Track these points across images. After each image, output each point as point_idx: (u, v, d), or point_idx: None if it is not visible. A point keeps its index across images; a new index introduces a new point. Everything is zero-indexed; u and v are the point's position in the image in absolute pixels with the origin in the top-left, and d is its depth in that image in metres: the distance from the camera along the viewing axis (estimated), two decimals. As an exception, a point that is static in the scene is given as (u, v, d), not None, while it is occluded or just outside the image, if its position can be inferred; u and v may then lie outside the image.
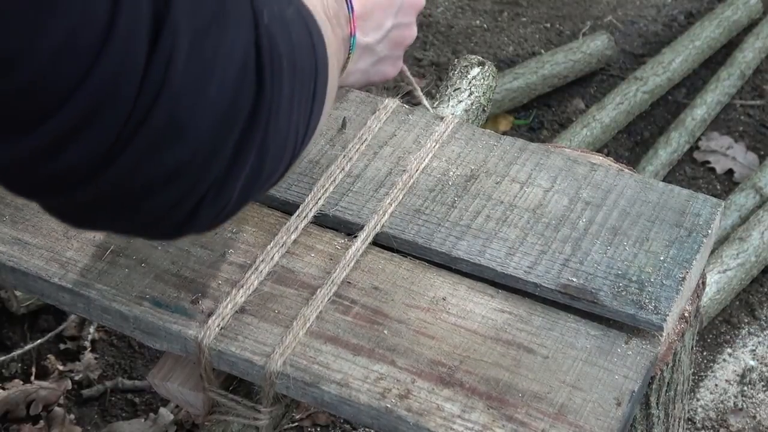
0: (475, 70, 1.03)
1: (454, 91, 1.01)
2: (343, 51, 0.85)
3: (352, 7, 0.83)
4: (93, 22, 0.45)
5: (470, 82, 1.02)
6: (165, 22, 0.48)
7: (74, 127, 0.47)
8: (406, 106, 0.92)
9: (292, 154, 0.61)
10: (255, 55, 0.53)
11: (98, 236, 0.80)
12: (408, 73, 0.97)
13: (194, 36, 0.49)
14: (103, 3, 0.45)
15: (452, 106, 1.00)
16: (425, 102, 0.97)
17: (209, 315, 0.74)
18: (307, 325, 0.73)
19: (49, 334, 1.56)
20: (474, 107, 1.01)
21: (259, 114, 0.54)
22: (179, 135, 0.50)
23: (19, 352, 1.53)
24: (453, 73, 1.03)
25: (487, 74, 1.04)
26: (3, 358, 1.53)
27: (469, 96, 1.01)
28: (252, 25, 0.53)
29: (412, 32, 0.91)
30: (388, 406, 0.68)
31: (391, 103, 0.91)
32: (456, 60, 1.06)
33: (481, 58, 1.05)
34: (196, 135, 0.51)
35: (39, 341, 1.54)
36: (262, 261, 0.77)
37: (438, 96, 1.02)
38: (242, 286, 0.75)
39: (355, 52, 0.86)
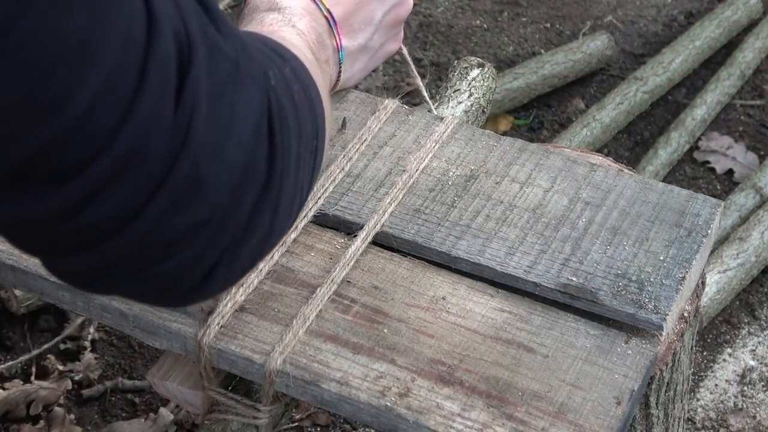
0: (475, 72, 1.04)
1: (453, 92, 1.02)
2: (332, 67, 0.85)
3: (334, 19, 0.82)
4: (127, 73, 0.45)
5: (470, 84, 1.02)
6: (187, 77, 0.48)
7: (108, 178, 0.46)
8: (406, 107, 0.92)
9: (297, 213, 0.61)
10: (267, 116, 0.53)
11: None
12: (407, 55, 0.96)
13: (212, 93, 0.49)
14: (136, 56, 0.45)
15: (452, 107, 1.00)
16: (424, 93, 0.97)
17: (209, 313, 0.74)
18: (307, 323, 0.73)
19: (54, 340, 1.55)
20: (474, 108, 1.01)
21: (273, 176, 0.54)
22: (200, 191, 0.50)
23: (24, 357, 1.53)
24: (453, 75, 1.04)
25: (487, 76, 1.04)
26: (10, 363, 1.52)
27: (468, 97, 1.01)
28: (264, 86, 0.54)
29: (408, 5, 0.90)
30: (388, 404, 0.68)
31: (391, 104, 0.91)
32: (456, 61, 1.06)
33: (480, 60, 1.05)
34: (217, 192, 0.51)
35: (44, 346, 1.54)
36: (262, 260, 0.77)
37: (438, 97, 1.02)
38: (242, 285, 0.75)
39: (346, 61, 0.86)
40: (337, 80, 0.87)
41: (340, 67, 0.86)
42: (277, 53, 0.62)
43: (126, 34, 0.45)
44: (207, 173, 0.50)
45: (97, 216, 0.47)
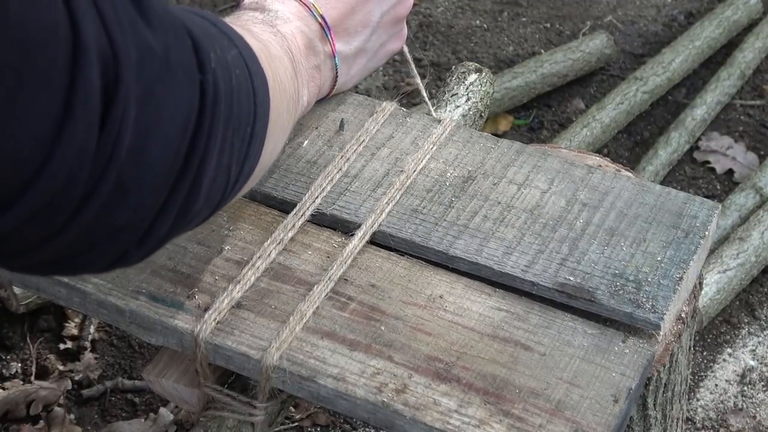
0: (473, 77, 1.04)
1: (451, 96, 1.02)
2: (327, 72, 0.84)
3: (327, 25, 0.82)
4: (50, 109, 0.45)
5: (468, 88, 1.03)
6: (115, 96, 0.48)
7: (36, 208, 0.48)
8: (404, 109, 0.92)
9: (222, 195, 0.62)
10: (198, 103, 0.54)
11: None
12: (408, 54, 0.96)
13: (140, 103, 0.50)
14: (59, 92, 0.45)
15: (449, 112, 1.00)
16: (424, 94, 0.98)
17: (205, 309, 0.74)
18: (304, 320, 0.73)
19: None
20: (471, 113, 1.02)
21: (191, 161, 0.54)
22: (124, 198, 0.51)
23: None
24: (450, 79, 1.04)
25: (485, 81, 1.05)
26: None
27: (466, 102, 1.01)
28: (196, 74, 0.54)
29: (408, 3, 0.89)
30: (385, 400, 0.69)
31: (389, 106, 0.92)
32: (454, 66, 1.07)
33: (478, 65, 1.05)
34: (139, 195, 0.52)
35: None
36: (259, 257, 0.78)
37: (436, 101, 1.02)
38: (239, 282, 0.76)
39: (341, 66, 0.85)
40: (334, 84, 0.87)
41: (337, 72, 0.85)
42: (226, 35, 0.62)
43: (49, 71, 0.44)
44: (131, 182, 0.51)
45: (22, 241, 0.49)
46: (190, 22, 0.56)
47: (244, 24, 0.73)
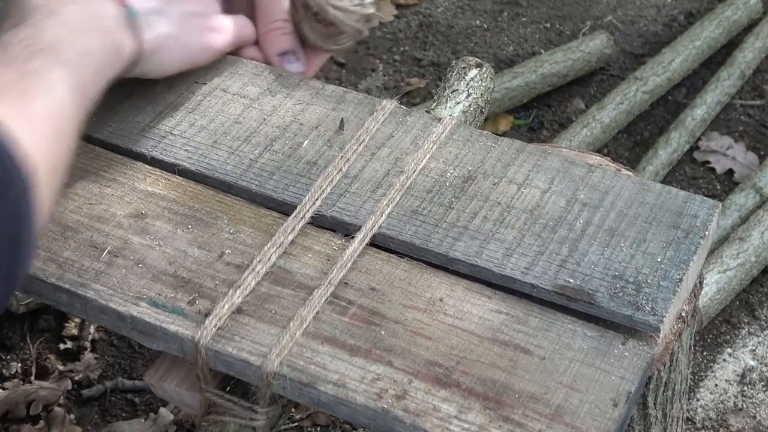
0: (473, 72, 1.03)
1: (452, 92, 1.02)
2: (123, 34, 0.78)
3: None
4: None
5: (468, 84, 1.02)
6: None
7: None
8: (404, 108, 0.92)
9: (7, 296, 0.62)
10: None
11: (95, 237, 0.80)
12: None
13: None
14: None
15: (450, 108, 1.00)
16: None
17: (206, 315, 0.74)
18: (304, 325, 0.73)
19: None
20: (472, 109, 1.01)
21: None
22: None
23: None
24: (451, 75, 1.04)
25: (485, 76, 1.04)
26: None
27: (467, 98, 1.01)
28: None
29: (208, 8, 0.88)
30: (385, 406, 0.69)
31: (389, 105, 0.91)
32: (454, 62, 1.06)
33: (479, 60, 1.05)
34: None
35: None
36: (259, 262, 0.77)
37: (436, 97, 1.02)
38: (239, 287, 0.76)
39: (141, 18, 0.80)
40: (141, 43, 0.81)
41: (136, 23, 0.80)
42: None
43: None
44: None
45: None
46: None
47: (10, 64, 0.68)
